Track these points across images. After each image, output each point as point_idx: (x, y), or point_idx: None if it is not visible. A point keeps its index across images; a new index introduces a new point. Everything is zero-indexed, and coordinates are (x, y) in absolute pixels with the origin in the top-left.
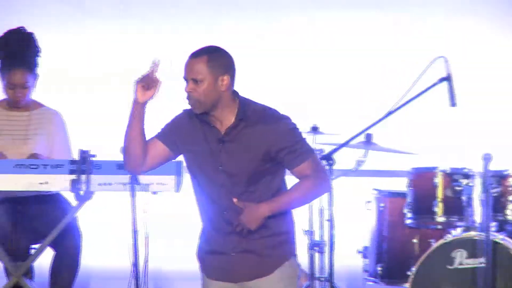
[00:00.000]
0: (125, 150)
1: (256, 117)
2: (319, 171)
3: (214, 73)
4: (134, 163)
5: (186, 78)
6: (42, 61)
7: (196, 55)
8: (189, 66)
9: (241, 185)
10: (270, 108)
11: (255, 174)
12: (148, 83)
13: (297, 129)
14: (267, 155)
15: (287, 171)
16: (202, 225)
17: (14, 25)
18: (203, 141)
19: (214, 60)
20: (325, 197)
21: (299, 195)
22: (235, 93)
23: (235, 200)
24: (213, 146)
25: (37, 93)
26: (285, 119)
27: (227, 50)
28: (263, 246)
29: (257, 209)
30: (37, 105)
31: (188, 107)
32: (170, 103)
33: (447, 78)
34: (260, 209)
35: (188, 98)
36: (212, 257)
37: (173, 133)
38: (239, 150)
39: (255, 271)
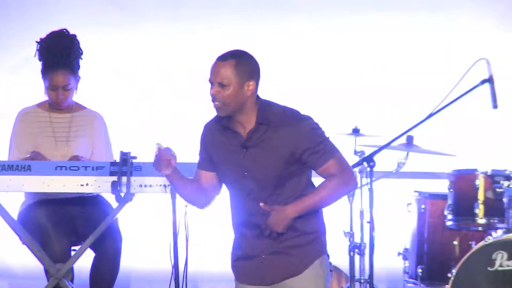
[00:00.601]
0: (188, 202)
1: (277, 119)
2: (344, 169)
3: (240, 79)
4: (200, 205)
5: (212, 81)
6: (85, 62)
7: (223, 58)
8: (216, 69)
9: (268, 189)
10: (291, 109)
11: (281, 177)
12: (163, 162)
13: (320, 128)
14: (292, 158)
15: (313, 172)
16: (233, 231)
17: (58, 27)
18: (227, 149)
19: (242, 65)
20: (365, 199)
21: (325, 195)
22: (257, 98)
23: (261, 204)
24: (237, 152)
25: (80, 94)
26: (307, 119)
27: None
28: (291, 247)
29: (284, 212)
30: (79, 107)
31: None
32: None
33: (489, 80)
34: (287, 211)
35: (213, 100)
36: (243, 262)
37: (207, 155)
38: (263, 155)
39: (285, 271)
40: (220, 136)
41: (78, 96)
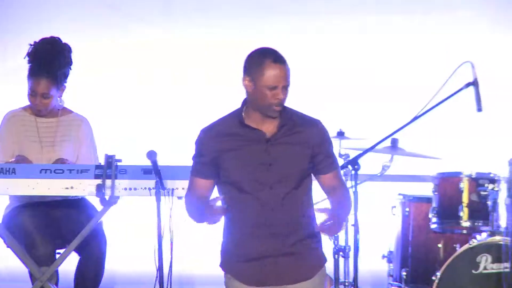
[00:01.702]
0: (199, 222)
1: (300, 120)
2: (345, 183)
3: None
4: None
5: (282, 86)
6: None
7: (285, 61)
8: (286, 73)
9: (291, 183)
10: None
11: (303, 174)
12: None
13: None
14: (311, 156)
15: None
16: (232, 232)
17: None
18: (246, 144)
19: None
20: None
21: (349, 204)
22: None
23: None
24: (259, 147)
25: (65, 98)
26: (322, 123)
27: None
28: (303, 249)
29: (337, 217)
30: (66, 111)
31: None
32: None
33: (474, 83)
34: (340, 218)
35: (279, 105)
36: (253, 263)
37: (209, 159)
38: (288, 149)
39: (297, 274)
40: (234, 134)
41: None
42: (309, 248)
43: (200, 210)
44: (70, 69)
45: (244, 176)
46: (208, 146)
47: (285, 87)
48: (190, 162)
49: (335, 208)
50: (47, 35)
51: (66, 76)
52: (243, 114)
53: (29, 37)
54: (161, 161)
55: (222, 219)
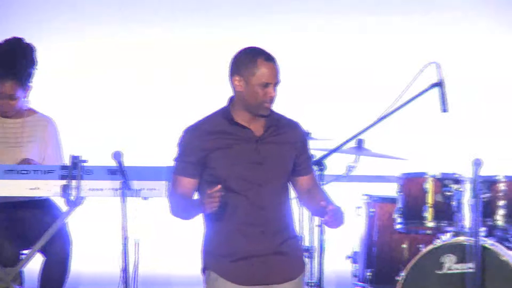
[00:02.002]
0: (185, 219)
1: (285, 120)
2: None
3: None
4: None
5: (273, 83)
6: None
7: (275, 59)
8: (276, 70)
9: (278, 184)
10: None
11: (288, 174)
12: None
13: None
14: (295, 156)
15: None
16: (218, 231)
17: (15, 33)
18: (236, 142)
19: None
20: None
21: None
22: None
23: (322, 203)
24: (249, 145)
25: (32, 98)
26: (301, 125)
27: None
28: (291, 248)
29: (340, 210)
30: (31, 112)
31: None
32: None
33: (439, 84)
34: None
35: (270, 102)
36: (242, 262)
37: (195, 159)
38: (277, 148)
39: (286, 273)
40: (223, 132)
41: (29, 99)
42: (295, 248)
43: (187, 206)
44: (35, 69)
45: (233, 175)
46: (194, 145)
47: (276, 85)
48: (157, 163)
49: (328, 200)
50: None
51: (31, 76)
52: (230, 112)
53: (28, 37)
54: (127, 162)
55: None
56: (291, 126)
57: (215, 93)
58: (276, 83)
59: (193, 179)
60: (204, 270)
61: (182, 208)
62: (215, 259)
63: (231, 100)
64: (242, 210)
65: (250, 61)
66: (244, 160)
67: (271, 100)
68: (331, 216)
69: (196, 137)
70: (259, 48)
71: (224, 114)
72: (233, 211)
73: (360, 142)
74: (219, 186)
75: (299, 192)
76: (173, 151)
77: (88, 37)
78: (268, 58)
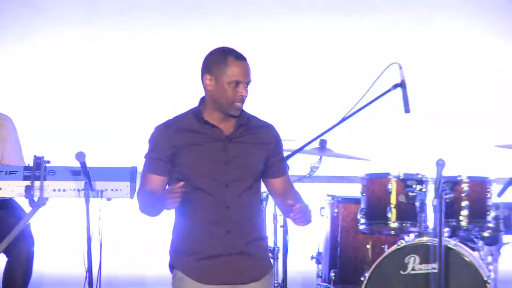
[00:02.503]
0: (151, 216)
1: (257, 121)
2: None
3: None
4: (156, 213)
5: (245, 82)
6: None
7: (246, 58)
8: (247, 69)
9: (245, 184)
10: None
11: (257, 175)
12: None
13: None
14: (266, 157)
15: None
16: (185, 229)
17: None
18: (204, 141)
19: None
20: None
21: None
22: None
23: (289, 202)
24: (217, 145)
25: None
26: (274, 127)
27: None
28: (257, 249)
29: (308, 208)
30: None
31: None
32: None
33: (401, 85)
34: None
35: (241, 102)
36: (208, 261)
37: (164, 156)
38: (245, 148)
39: (251, 274)
40: (193, 130)
41: None
42: (262, 249)
43: (154, 202)
44: None
45: (199, 173)
46: (164, 143)
47: (247, 84)
48: (120, 164)
49: (301, 200)
50: (48, 34)
51: None
52: (201, 112)
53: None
54: (90, 163)
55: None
56: (263, 127)
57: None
58: (247, 82)
59: (162, 176)
60: (170, 268)
61: (148, 204)
62: (181, 257)
63: (202, 100)
64: (207, 209)
65: (221, 60)
66: (210, 159)
67: (242, 99)
68: (297, 213)
69: (166, 134)
70: (230, 48)
71: (195, 113)
72: (199, 209)
73: (323, 142)
74: (182, 182)
75: (273, 194)
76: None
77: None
78: (239, 56)
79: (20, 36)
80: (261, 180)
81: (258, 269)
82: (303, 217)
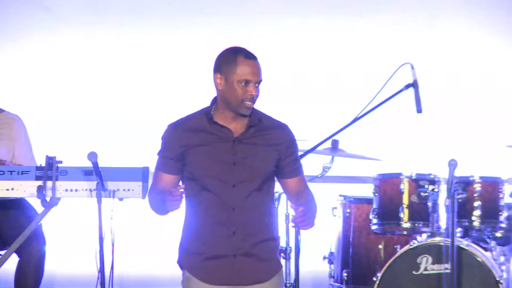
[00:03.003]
0: (161, 214)
1: (269, 121)
2: (308, 186)
3: None
4: (165, 212)
5: (255, 81)
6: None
7: (256, 58)
8: (257, 68)
9: (254, 186)
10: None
11: (267, 176)
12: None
13: None
14: (278, 158)
15: None
16: (193, 229)
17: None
18: (213, 141)
19: None
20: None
21: (315, 205)
22: None
23: (292, 205)
24: (226, 145)
25: (6, 98)
26: (289, 127)
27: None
28: (263, 251)
29: (311, 210)
30: None
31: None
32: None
33: (413, 85)
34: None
35: (252, 101)
36: (212, 262)
37: (175, 155)
38: (254, 149)
39: (256, 275)
40: (203, 130)
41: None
42: (269, 251)
43: (162, 201)
44: None
45: (207, 173)
46: (175, 141)
47: (257, 84)
48: (132, 164)
49: (307, 204)
50: (26, 33)
51: None
52: (212, 112)
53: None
54: (102, 163)
55: (184, 214)
56: (276, 128)
57: (192, 96)
58: (257, 81)
59: (173, 175)
60: (180, 267)
61: (157, 203)
62: (188, 257)
63: (215, 100)
64: (214, 209)
65: (230, 59)
66: (218, 159)
67: (252, 98)
68: (298, 217)
69: (176, 133)
70: (240, 47)
71: (205, 113)
72: (206, 210)
73: (335, 142)
74: (183, 185)
75: (288, 194)
76: (154, 150)
77: (66, 36)
78: (248, 55)
79: (31, 35)
80: (274, 180)
81: (263, 271)
82: (305, 221)
